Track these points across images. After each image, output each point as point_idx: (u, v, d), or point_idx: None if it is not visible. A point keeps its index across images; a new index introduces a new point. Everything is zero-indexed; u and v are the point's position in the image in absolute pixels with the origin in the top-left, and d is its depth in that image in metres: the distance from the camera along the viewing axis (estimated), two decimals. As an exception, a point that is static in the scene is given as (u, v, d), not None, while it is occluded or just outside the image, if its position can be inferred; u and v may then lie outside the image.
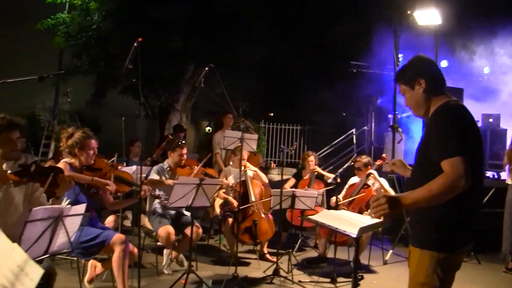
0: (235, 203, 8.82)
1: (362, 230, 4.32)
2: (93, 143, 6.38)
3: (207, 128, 24.17)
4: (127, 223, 9.52)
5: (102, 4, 15.35)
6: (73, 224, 4.62)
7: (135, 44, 6.33)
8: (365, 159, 9.20)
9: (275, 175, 15.47)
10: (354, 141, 17.44)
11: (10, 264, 3.05)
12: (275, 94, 21.74)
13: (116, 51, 15.49)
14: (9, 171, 4.64)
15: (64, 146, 6.43)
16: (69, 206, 4.57)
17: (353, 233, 4.28)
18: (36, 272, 3.03)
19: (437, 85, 3.95)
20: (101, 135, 9.52)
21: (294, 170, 15.76)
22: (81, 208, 4.51)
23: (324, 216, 4.93)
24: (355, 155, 15.77)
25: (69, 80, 16.84)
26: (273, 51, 16.67)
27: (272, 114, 21.16)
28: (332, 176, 9.59)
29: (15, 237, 5.03)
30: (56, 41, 15.93)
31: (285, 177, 15.21)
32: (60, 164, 6.09)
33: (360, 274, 4.58)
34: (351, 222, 4.59)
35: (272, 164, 14.00)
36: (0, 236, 3.25)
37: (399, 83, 4.10)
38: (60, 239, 4.34)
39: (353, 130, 17.55)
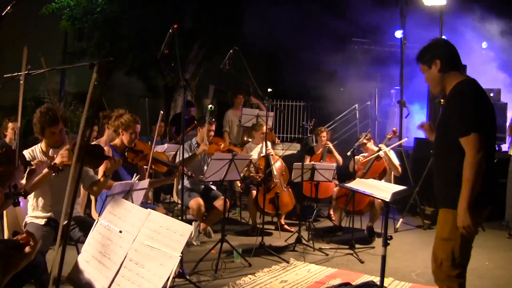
0: (257, 176, 9.29)
1: (395, 195, 4.86)
2: (138, 127, 6.88)
3: (209, 106, 24.34)
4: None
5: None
6: (138, 197, 5.12)
7: (170, 30, 6.70)
8: (366, 136, 9.79)
9: (280, 151, 15.78)
10: (357, 116, 17.70)
11: (152, 226, 3.48)
12: (274, 70, 21.79)
13: (124, 32, 15.84)
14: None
15: (112, 123, 6.91)
16: (137, 181, 5.06)
17: (386, 198, 4.83)
18: (185, 228, 3.44)
19: (451, 65, 4.40)
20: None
21: (297, 146, 16.17)
22: (145, 183, 4.98)
23: (359, 184, 5.46)
24: (358, 130, 16.25)
25: (75, 62, 17.17)
26: (273, 29, 16.95)
27: (270, 90, 21.30)
28: (339, 157, 10.24)
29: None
30: (62, 24, 16.20)
31: (289, 152, 15.61)
32: (105, 148, 6.50)
33: (389, 235, 5.06)
34: (382, 189, 5.14)
35: (276, 140, 14.38)
36: (134, 207, 3.72)
37: (420, 63, 4.59)
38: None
39: (356, 106, 17.74)
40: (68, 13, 16.01)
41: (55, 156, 5.15)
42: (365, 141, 9.64)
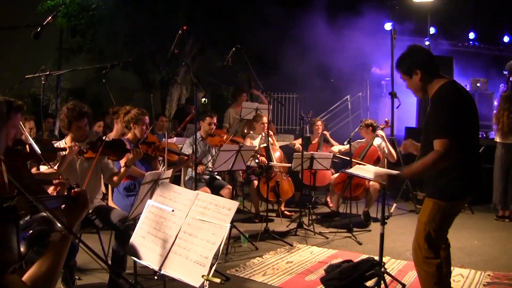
0: (264, 159, 9.62)
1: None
2: (147, 119, 7.28)
3: (203, 99, 24.47)
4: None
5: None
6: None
7: (180, 31, 7.16)
8: (369, 120, 10.23)
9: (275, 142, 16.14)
10: (349, 107, 18.10)
11: (202, 204, 4.00)
12: (266, 63, 21.95)
13: (119, 29, 16.16)
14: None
15: (121, 120, 7.34)
16: (163, 171, 5.55)
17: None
18: (232, 203, 3.96)
19: (431, 72, 4.77)
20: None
21: (291, 137, 16.58)
22: (169, 172, 5.45)
23: (358, 170, 6.03)
24: (350, 121, 16.66)
25: (71, 58, 17.52)
26: (263, 23, 17.27)
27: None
28: (336, 144, 10.67)
29: (91, 198, 6.03)
30: (58, 21, 16.35)
31: (284, 143, 16.03)
32: None
33: (386, 215, 5.67)
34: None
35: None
36: (183, 189, 4.24)
37: (399, 72, 4.97)
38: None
39: (348, 97, 18.10)
40: (64, 10, 16.22)
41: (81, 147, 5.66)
42: (366, 123, 10.09)
